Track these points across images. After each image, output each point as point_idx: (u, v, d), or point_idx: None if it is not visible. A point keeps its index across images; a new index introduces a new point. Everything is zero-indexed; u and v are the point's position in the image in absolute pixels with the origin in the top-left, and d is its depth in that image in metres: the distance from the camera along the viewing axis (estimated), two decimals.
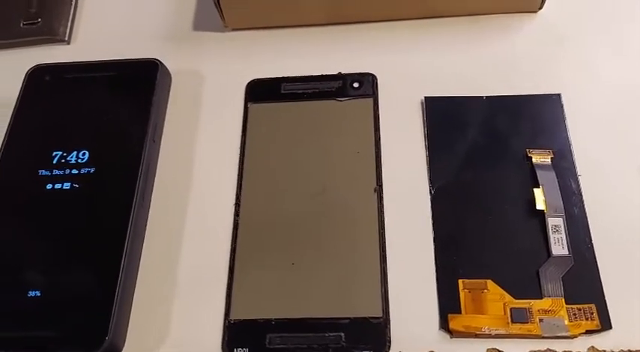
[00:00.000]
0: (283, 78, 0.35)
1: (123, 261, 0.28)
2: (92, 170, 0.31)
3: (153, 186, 0.32)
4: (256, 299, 0.28)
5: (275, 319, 0.28)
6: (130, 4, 0.39)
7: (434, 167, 0.31)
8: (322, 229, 0.30)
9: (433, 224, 0.30)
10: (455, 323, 0.27)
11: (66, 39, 0.38)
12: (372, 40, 0.36)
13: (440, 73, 0.34)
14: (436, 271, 0.28)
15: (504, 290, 0.27)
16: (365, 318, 0.27)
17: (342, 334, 0.27)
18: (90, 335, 0.26)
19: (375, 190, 0.31)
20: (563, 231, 0.28)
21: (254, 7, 0.36)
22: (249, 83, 0.35)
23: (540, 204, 0.29)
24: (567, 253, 0.28)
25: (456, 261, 0.28)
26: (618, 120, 0.32)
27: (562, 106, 0.32)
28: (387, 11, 0.36)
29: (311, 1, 0.35)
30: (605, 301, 0.27)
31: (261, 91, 0.35)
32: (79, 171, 0.31)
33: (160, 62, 0.34)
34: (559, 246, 0.28)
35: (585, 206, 0.29)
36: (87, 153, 0.32)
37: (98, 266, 0.28)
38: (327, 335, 0.27)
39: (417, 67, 0.35)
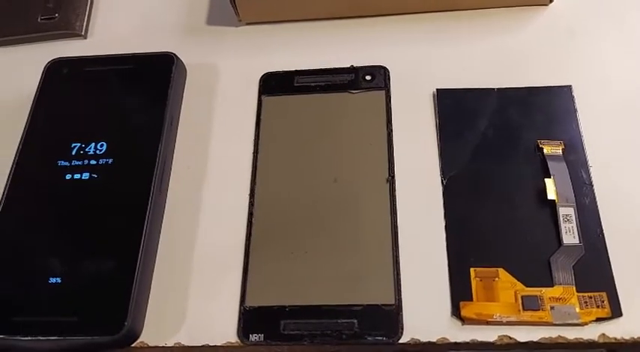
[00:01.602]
0: (296, 71, 0.35)
1: (141, 248, 0.28)
2: (110, 161, 0.32)
3: (170, 176, 0.33)
4: (271, 287, 0.29)
5: (289, 306, 0.28)
6: None
7: (445, 158, 0.31)
8: (335, 218, 0.30)
9: (445, 213, 0.30)
10: (467, 310, 0.27)
11: (83, 33, 0.38)
12: (384, 34, 0.36)
13: (451, 66, 0.35)
14: (448, 259, 0.29)
15: (516, 278, 0.28)
16: (377, 305, 0.28)
17: (355, 321, 0.27)
18: (109, 320, 0.27)
19: (387, 180, 0.31)
20: (574, 221, 0.29)
21: (268, 2, 0.36)
22: (262, 76, 0.35)
23: (551, 194, 0.29)
24: (578, 242, 0.28)
25: (468, 249, 0.29)
26: (629, 112, 0.32)
27: (573, 98, 0.32)
28: (399, 4, 0.36)
29: None
30: (615, 289, 0.27)
31: (274, 84, 0.35)
32: (98, 161, 0.32)
33: (176, 56, 0.35)
34: (570, 235, 0.28)
35: (596, 196, 0.29)
36: (105, 144, 0.32)
37: (117, 254, 0.29)
38: (340, 321, 0.27)
39: (428, 60, 0.35)
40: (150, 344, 0.28)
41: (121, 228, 0.29)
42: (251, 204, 0.31)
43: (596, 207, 0.29)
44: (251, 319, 0.28)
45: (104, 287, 0.28)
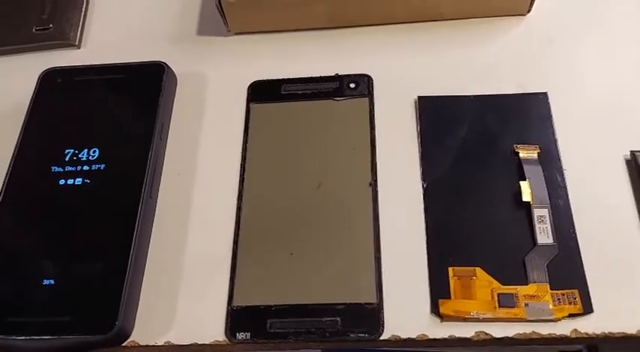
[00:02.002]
0: (283, 79, 0.37)
1: (131, 250, 0.29)
2: (102, 166, 0.33)
3: (160, 181, 0.34)
4: (257, 287, 0.30)
5: (275, 305, 0.29)
6: (137, 10, 0.41)
7: (426, 162, 0.33)
8: (319, 221, 0.31)
9: (425, 216, 0.31)
10: (445, 307, 0.28)
11: (76, 43, 0.39)
12: (368, 43, 0.38)
13: (432, 74, 0.36)
14: (428, 259, 0.30)
15: (492, 277, 0.29)
16: (360, 304, 0.29)
17: (339, 319, 0.28)
18: (101, 320, 0.28)
19: (370, 184, 0.32)
20: (548, 222, 0.30)
21: (255, 13, 0.37)
22: (250, 84, 0.37)
23: (526, 196, 0.30)
24: (552, 242, 0.29)
25: (447, 250, 0.30)
26: (602, 118, 0.33)
27: (548, 105, 0.34)
28: (382, 16, 0.37)
29: (310, 6, 0.37)
30: (587, 287, 0.28)
31: (262, 92, 0.36)
32: (90, 167, 0.33)
33: (167, 65, 0.36)
34: (544, 235, 0.30)
35: (570, 198, 0.31)
36: (97, 150, 0.33)
37: (108, 256, 0.30)
38: (324, 320, 0.29)
39: (410, 68, 0.36)
40: (140, 343, 0.29)
41: (112, 232, 0.30)
42: (239, 208, 0.32)
43: (570, 208, 0.30)
44: (238, 318, 0.29)
45: (96, 289, 0.29)
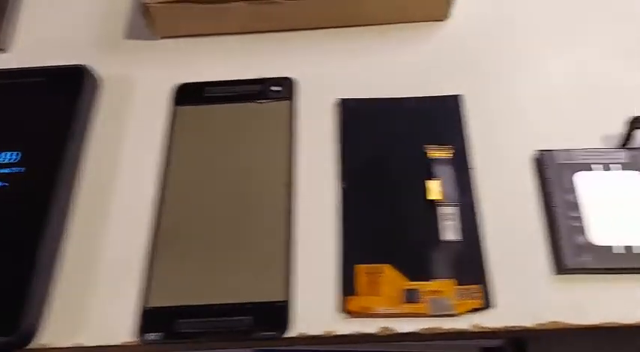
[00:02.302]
0: (207, 82, 0.37)
1: (38, 251, 0.29)
2: (22, 170, 0.33)
3: (79, 183, 0.34)
4: (170, 288, 0.30)
5: (186, 305, 0.29)
6: (64, 14, 0.41)
7: (344, 164, 0.33)
8: (235, 222, 0.32)
9: (340, 216, 0.32)
10: (352, 304, 0.29)
11: (2, 47, 0.39)
12: (292, 47, 0.38)
13: (355, 77, 0.37)
14: (339, 258, 0.30)
15: (400, 273, 0.29)
16: (269, 302, 0.29)
17: (249, 317, 0.29)
18: (4, 321, 0.28)
19: (286, 185, 0.33)
20: (456, 219, 0.31)
21: (181, 18, 0.38)
22: (175, 87, 0.37)
23: (432, 195, 0.31)
24: (459, 239, 0.30)
25: (358, 248, 0.30)
26: (513, 119, 0.34)
27: (463, 106, 0.35)
28: (306, 21, 0.38)
29: (234, 11, 0.37)
30: (489, 282, 0.29)
31: (186, 95, 0.37)
32: (10, 170, 0.33)
33: (87, 68, 0.36)
34: (451, 232, 0.30)
35: (477, 196, 0.32)
36: (19, 154, 0.33)
37: (15, 257, 0.29)
38: (234, 318, 0.29)
39: (333, 72, 0.37)
40: (48, 346, 0.29)
41: (22, 233, 0.30)
42: (156, 211, 0.32)
43: (477, 205, 0.31)
44: (149, 319, 0.29)
45: (1, 290, 0.29)
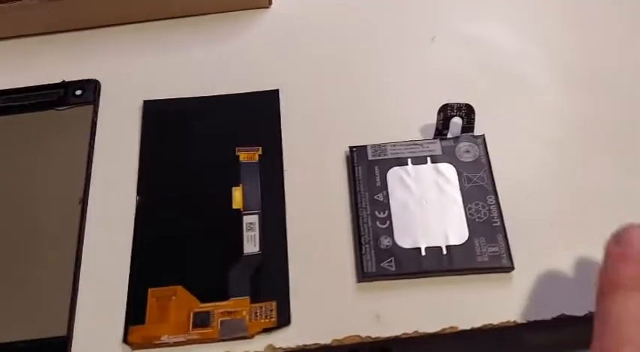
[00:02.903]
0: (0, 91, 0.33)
1: None
2: None
3: None
4: None
5: None
6: None
7: (144, 174, 0.30)
8: (20, 250, 0.28)
9: (133, 234, 0.29)
10: (134, 335, 0.26)
11: None
12: (99, 46, 0.35)
13: (167, 75, 0.33)
14: (129, 282, 0.27)
15: (193, 295, 0.27)
16: (47, 338, 0.26)
17: None
18: None
19: (79, 202, 0.29)
20: (257, 229, 0.28)
21: None
22: None
23: (237, 203, 0.28)
24: (258, 251, 0.27)
25: (150, 270, 0.28)
26: (328, 114, 0.32)
27: (278, 102, 0.32)
28: (111, 16, 0.34)
29: (26, 10, 0.33)
30: (287, 298, 0.26)
31: None
32: None
33: None
34: (251, 244, 0.28)
35: (286, 201, 0.29)
36: None
37: None
38: None
39: (144, 71, 0.34)
40: None
41: None
42: None
43: (284, 212, 0.29)
44: None
45: None
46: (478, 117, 0.29)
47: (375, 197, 0.28)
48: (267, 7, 0.35)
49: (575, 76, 0.32)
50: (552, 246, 0.27)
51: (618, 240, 0.22)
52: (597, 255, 0.21)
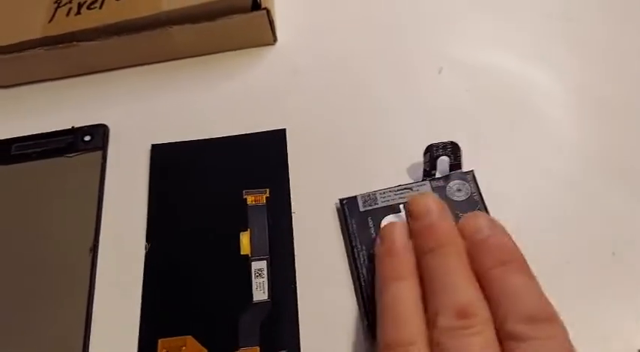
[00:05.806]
0: (13, 139, 0.34)
1: None
2: None
3: None
4: None
5: None
6: None
7: (152, 220, 0.30)
8: (33, 299, 0.29)
9: (143, 283, 0.28)
10: None
11: None
12: (107, 90, 0.35)
13: (174, 118, 0.34)
14: (139, 334, 0.27)
15: (203, 345, 0.26)
16: None
17: None
18: None
19: (90, 250, 0.30)
20: (265, 275, 0.28)
21: None
22: None
23: (245, 249, 0.28)
24: (267, 298, 0.27)
25: (160, 320, 0.27)
26: (333, 157, 0.31)
27: (285, 142, 0.32)
28: (117, 60, 0.35)
29: (35, 59, 0.34)
30: (298, 347, 0.26)
31: None
32: None
33: None
34: (260, 291, 0.27)
35: (295, 246, 0.29)
36: None
37: None
38: None
39: (150, 114, 0.34)
40: None
41: None
42: None
43: (293, 256, 0.28)
44: None
45: None
46: (482, 152, 0.28)
47: (372, 252, 0.27)
48: (273, 44, 0.35)
49: (587, 106, 0.31)
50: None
51: (382, 240, 0.25)
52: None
